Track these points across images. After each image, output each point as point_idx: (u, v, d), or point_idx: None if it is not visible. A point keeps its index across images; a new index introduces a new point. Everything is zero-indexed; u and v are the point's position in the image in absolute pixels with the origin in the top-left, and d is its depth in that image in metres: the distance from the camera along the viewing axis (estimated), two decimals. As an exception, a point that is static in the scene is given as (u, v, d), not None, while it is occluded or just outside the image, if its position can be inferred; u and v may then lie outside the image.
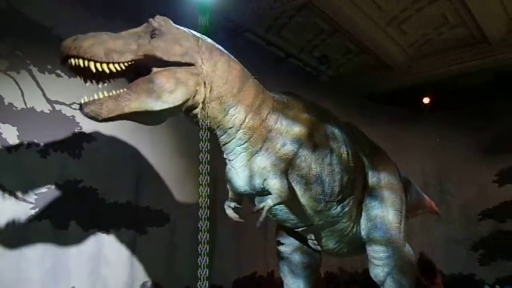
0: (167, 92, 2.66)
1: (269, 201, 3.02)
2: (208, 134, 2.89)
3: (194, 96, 2.81)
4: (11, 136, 3.99)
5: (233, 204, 3.30)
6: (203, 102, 2.87)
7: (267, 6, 5.73)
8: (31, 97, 4.17)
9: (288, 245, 3.91)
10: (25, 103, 4.12)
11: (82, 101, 2.52)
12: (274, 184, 3.03)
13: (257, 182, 3.08)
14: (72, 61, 2.48)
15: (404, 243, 3.89)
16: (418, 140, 8.63)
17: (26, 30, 4.17)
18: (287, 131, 3.17)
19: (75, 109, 4.40)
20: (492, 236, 8.06)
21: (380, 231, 3.75)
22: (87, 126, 4.47)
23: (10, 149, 3.97)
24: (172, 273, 4.93)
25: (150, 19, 2.79)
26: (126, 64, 2.58)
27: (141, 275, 4.66)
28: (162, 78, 2.67)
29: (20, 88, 4.10)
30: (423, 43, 6.94)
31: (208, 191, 2.93)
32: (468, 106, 8.39)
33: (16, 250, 3.87)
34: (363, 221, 3.84)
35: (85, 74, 2.58)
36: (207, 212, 2.96)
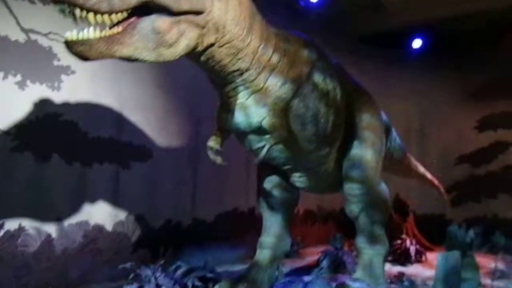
0: (166, 44, 2.33)
1: (270, 140, 3.07)
2: None
3: (195, 47, 2.53)
4: (-15, 66, 3.85)
5: (215, 147, 3.18)
6: (208, 48, 2.62)
7: None
8: (4, 25, 3.95)
9: (269, 182, 3.99)
10: (-2, 31, 3.92)
11: (69, 38, 2.11)
12: (274, 123, 3.02)
13: (255, 120, 3.04)
14: (67, 8, 2.08)
15: (380, 181, 4.01)
16: (405, 83, 8.61)
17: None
18: (288, 69, 3.07)
19: (51, 39, 4.21)
20: (465, 180, 8.40)
21: (358, 170, 3.84)
22: (66, 58, 4.30)
23: (-15, 79, 3.85)
24: (154, 207, 5.08)
25: None
26: (128, 12, 2.21)
27: (125, 208, 4.80)
28: (163, 27, 2.31)
29: (-9, 15, 3.88)
30: (418, -18, 6.69)
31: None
32: (458, 51, 8.29)
33: (-1, 182, 3.90)
34: (343, 159, 3.92)
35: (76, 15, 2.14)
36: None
